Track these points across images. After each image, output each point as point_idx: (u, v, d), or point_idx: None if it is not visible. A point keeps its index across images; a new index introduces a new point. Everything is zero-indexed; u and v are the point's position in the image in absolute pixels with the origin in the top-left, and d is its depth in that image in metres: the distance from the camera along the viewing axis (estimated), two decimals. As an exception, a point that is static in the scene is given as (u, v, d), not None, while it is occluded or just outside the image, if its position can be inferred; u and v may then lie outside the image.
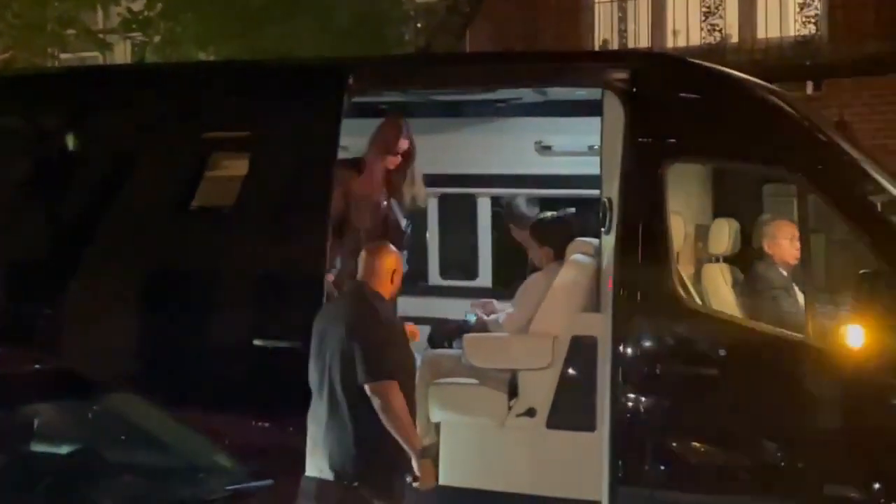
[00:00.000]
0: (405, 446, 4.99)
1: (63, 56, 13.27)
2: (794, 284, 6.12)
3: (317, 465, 5.09)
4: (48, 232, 6.55)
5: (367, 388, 4.98)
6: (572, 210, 6.92)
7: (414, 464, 5.02)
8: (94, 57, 13.30)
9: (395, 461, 5.02)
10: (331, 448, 5.03)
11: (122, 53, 14.06)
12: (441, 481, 5.93)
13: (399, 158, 6.78)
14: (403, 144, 6.75)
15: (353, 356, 5.01)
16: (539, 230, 6.74)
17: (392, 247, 5.46)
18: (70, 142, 6.70)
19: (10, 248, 6.45)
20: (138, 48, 13.31)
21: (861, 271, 5.30)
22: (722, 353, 5.46)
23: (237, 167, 6.46)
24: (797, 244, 5.96)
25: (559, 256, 6.47)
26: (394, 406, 4.96)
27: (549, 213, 6.85)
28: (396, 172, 6.82)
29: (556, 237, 6.60)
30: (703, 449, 5.45)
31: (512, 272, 7.53)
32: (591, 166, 6.31)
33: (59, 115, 6.76)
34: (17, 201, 6.57)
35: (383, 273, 5.28)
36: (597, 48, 13.36)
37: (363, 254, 5.39)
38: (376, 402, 4.96)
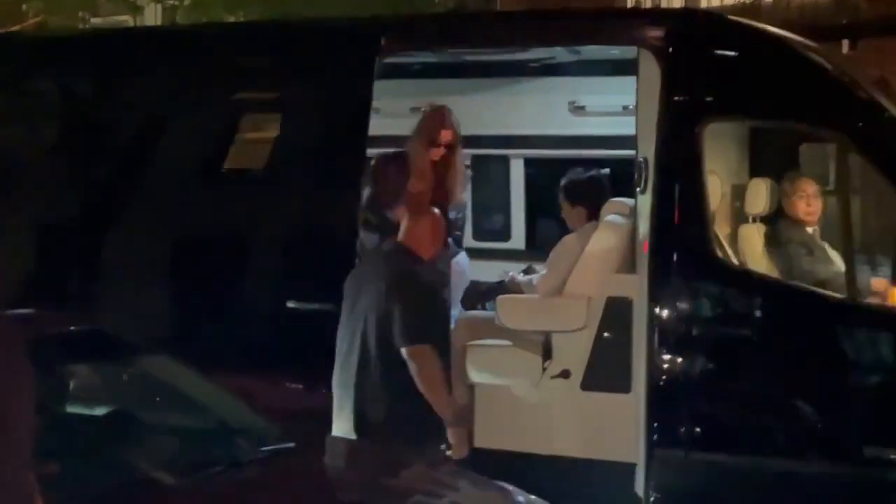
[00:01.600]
0: (439, 413, 4.97)
1: (94, 20, 13.25)
2: (821, 243, 6.06)
3: (344, 428, 5.07)
4: (79, 196, 6.54)
5: (403, 351, 4.95)
6: (605, 170, 6.84)
7: (448, 433, 4.99)
8: (124, 20, 13.26)
9: (429, 426, 4.99)
10: (361, 411, 5.01)
11: (151, 16, 14.01)
12: (476, 444, 5.94)
13: (443, 150, 6.53)
14: (447, 135, 6.53)
15: (391, 318, 4.98)
16: (570, 189, 6.66)
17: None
18: (100, 105, 6.67)
19: (40, 213, 6.45)
20: (168, 11, 13.28)
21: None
22: (760, 313, 5.42)
23: (269, 130, 6.43)
24: (816, 202, 5.90)
25: (592, 217, 6.41)
26: (429, 371, 4.93)
27: (579, 172, 6.76)
28: (442, 164, 6.55)
29: (588, 196, 6.53)
30: (739, 411, 5.38)
31: (545, 233, 7.49)
32: (625, 126, 6.24)
33: (89, 78, 6.74)
34: (47, 165, 6.56)
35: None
36: (629, 6, 13.21)
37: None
38: (412, 367, 4.93)
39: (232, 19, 11.98)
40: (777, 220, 6.27)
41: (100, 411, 4.87)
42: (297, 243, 6.00)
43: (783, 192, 6.31)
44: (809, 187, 6.33)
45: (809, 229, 6.28)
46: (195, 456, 4.60)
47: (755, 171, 6.38)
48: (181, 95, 6.35)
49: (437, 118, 6.56)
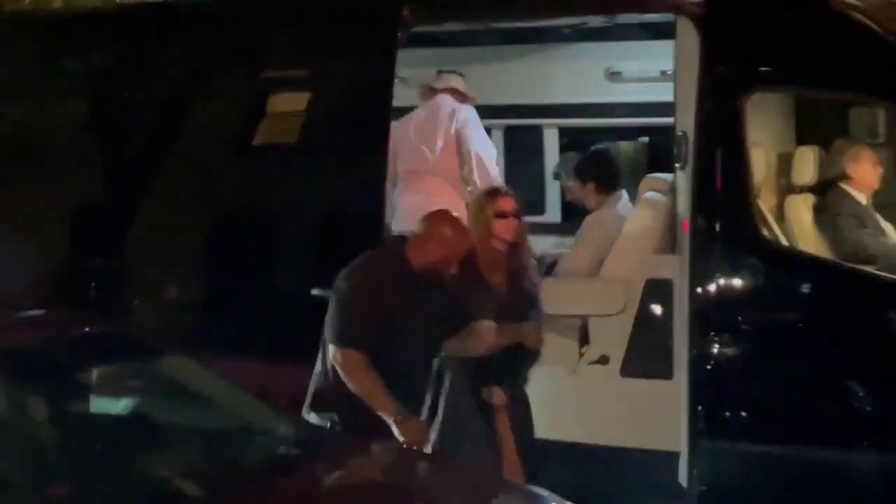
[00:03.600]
0: (379, 414, 4.75)
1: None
2: (874, 214, 5.76)
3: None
4: (102, 176, 6.39)
5: (330, 351, 4.81)
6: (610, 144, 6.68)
7: (394, 430, 4.75)
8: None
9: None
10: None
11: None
12: None
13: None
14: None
15: (331, 315, 4.85)
16: (580, 168, 6.52)
17: (452, 213, 5.14)
18: (124, 82, 6.49)
19: (62, 191, 6.27)
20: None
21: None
22: (807, 294, 5.14)
23: (292, 105, 6.22)
24: (868, 170, 5.59)
25: (605, 192, 6.27)
26: (353, 376, 4.75)
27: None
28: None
29: (598, 173, 6.39)
30: (787, 397, 5.10)
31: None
32: (663, 93, 5.97)
33: (112, 55, 6.55)
34: (71, 144, 6.39)
35: (424, 238, 4.95)
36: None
37: (427, 218, 5.07)
38: (339, 370, 4.77)
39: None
40: (827, 191, 5.98)
41: (117, 413, 4.74)
42: (322, 227, 5.79)
43: (832, 160, 6.01)
44: (860, 154, 6.03)
45: (862, 199, 5.99)
46: (213, 457, 4.45)
47: (802, 139, 6.09)
48: (203, 72, 6.16)
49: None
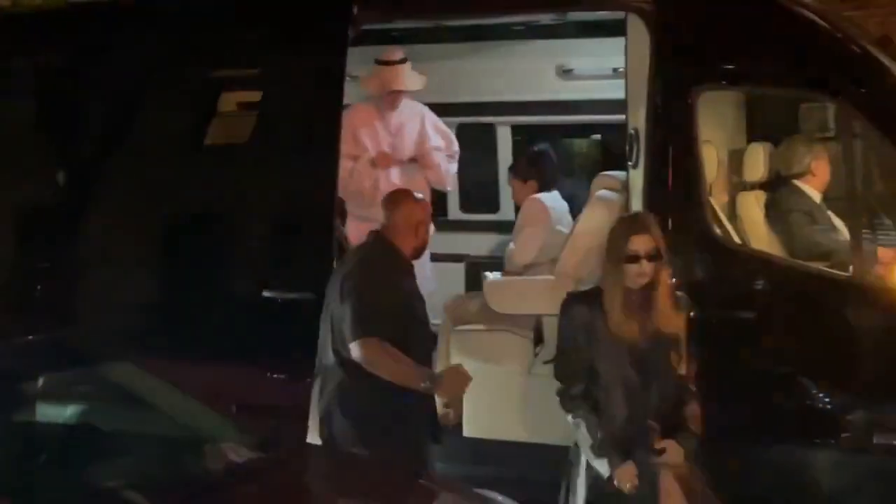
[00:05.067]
0: (413, 387, 4.69)
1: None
2: (825, 211, 5.77)
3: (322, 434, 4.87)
4: (51, 176, 6.27)
5: (351, 347, 4.70)
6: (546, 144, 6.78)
7: (437, 392, 4.72)
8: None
9: (402, 426, 4.74)
10: (336, 416, 4.76)
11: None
12: (465, 433, 5.69)
13: None
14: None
15: (343, 316, 4.73)
16: (520, 168, 6.67)
17: (419, 194, 5.08)
18: (74, 81, 6.37)
19: (11, 193, 6.16)
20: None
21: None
22: (758, 292, 5.12)
23: (242, 104, 6.15)
24: (819, 167, 5.61)
25: (546, 189, 6.42)
26: (378, 361, 4.66)
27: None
28: None
29: (538, 170, 6.55)
30: (735, 392, 5.07)
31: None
32: (615, 90, 5.93)
33: (63, 54, 6.43)
34: (21, 143, 6.25)
35: (404, 225, 4.92)
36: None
37: (384, 200, 5.03)
38: (362, 361, 4.69)
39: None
40: (778, 187, 5.99)
41: (63, 422, 4.65)
42: (274, 220, 5.72)
43: (783, 156, 6.02)
44: (811, 151, 6.04)
45: (813, 196, 6.01)
46: (162, 468, 4.37)
47: (754, 135, 6.09)
48: (153, 71, 6.06)
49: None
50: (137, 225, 5.92)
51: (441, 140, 6.88)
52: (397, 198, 5.05)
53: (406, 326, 4.80)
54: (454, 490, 4.47)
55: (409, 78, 6.69)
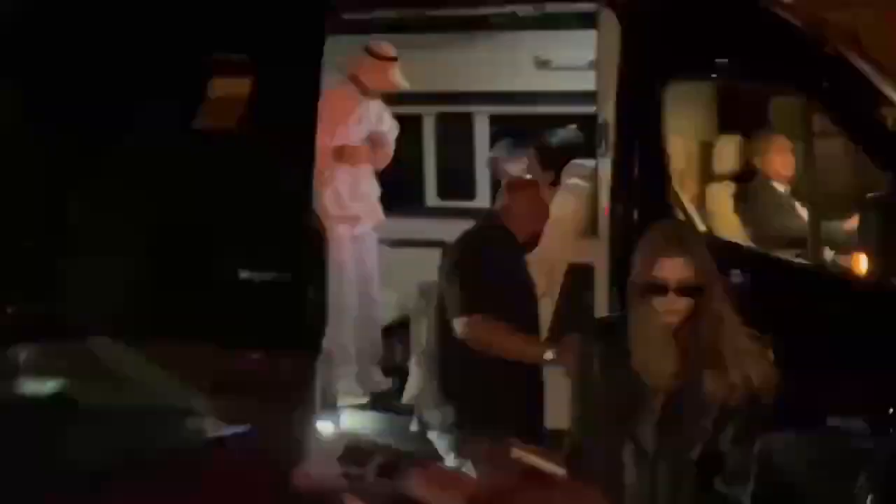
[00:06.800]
0: (534, 360, 4.77)
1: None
2: (793, 203, 5.90)
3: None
4: (35, 157, 6.35)
5: (455, 323, 4.75)
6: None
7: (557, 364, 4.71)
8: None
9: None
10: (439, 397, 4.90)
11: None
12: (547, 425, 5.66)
13: None
14: None
15: (450, 288, 4.82)
16: (548, 153, 6.61)
17: (542, 188, 5.23)
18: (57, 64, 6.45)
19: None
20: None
21: (868, 195, 5.06)
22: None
23: (219, 91, 6.22)
24: (789, 160, 5.73)
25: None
26: (488, 337, 4.71)
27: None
28: None
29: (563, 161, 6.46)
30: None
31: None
32: (591, 82, 6.04)
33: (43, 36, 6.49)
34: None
35: (523, 213, 5.08)
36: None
37: (505, 185, 5.23)
38: (469, 339, 4.73)
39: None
40: (748, 179, 6.12)
41: (41, 395, 4.75)
42: (250, 205, 5.82)
43: (754, 149, 6.15)
44: (781, 144, 6.17)
45: (781, 188, 6.14)
46: (138, 441, 4.49)
47: (725, 128, 6.21)
48: (131, 52, 6.13)
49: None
50: (118, 206, 6.01)
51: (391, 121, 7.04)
52: (520, 185, 5.25)
53: (514, 307, 4.87)
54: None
55: (402, 78, 6.83)
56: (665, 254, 3.36)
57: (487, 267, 4.86)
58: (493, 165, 7.30)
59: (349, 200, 6.84)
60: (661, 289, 3.33)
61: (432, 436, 5.10)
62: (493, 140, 7.49)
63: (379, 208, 7.00)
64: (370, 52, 6.78)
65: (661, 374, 3.38)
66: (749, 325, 3.49)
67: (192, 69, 6.04)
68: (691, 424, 3.35)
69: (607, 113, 5.43)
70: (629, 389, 3.40)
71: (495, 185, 7.40)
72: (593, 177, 5.84)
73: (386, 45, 6.78)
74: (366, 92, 6.85)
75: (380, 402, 6.73)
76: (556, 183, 6.28)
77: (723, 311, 3.39)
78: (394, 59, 6.78)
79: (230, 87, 6.28)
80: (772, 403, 3.43)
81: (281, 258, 5.57)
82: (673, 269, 3.33)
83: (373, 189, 7.00)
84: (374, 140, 6.89)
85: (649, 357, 3.38)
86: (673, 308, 3.34)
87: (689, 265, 3.34)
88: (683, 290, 3.32)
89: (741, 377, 3.34)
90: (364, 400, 6.80)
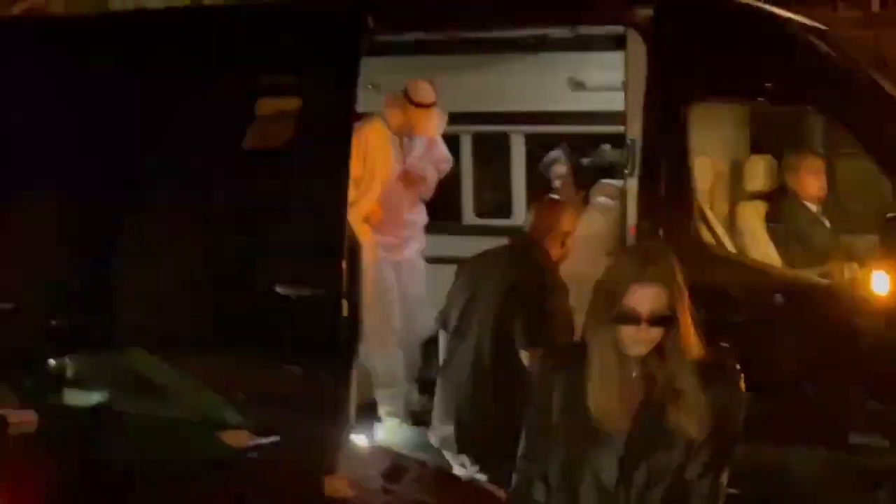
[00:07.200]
0: None
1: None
2: (823, 221, 5.94)
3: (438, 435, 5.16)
4: (96, 176, 6.51)
5: (523, 354, 4.90)
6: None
7: None
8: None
9: None
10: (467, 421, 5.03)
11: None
12: None
13: None
14: None
15: (512, 319, 4.96)
16: (582, 174, 6.81)
17: (570, 205, 5.41)
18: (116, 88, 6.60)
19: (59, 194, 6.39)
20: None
21: (889, 214, 5.11)
22: (744, 298, 5.31)
23: (260, 111, 6.39)
24: (820, 179, 5.77)
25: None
26: None
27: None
28: None
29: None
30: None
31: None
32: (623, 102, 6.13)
33: (104, 61, 6.67)
34: (65, 148, 6.48)
35: (557, 233, 5.24)
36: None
37: (535, 207, 5.36)
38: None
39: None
40: (779, 198, 6.17)
41: (83, 404, 4.93)
42: (288, 226, 5.97)
43: (785, 168, 6.21)
44: (812, 163, 6.22)
45: (813, 207, 6.18)
46: (175, 451, 4.64)
47: (757, 147, 6.28)
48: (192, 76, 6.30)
49: None
50: (162, 222, 6.18)
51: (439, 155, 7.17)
52: (547, 205, 5.46)
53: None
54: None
55: (439, 123, 6.96)
56: (639, 280, 3.10)
57: (549, 297, 5.05)
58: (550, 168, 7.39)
59: (394, 225, 7.01)
60: (631, 318, 3.07)
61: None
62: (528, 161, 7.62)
63: (423, 234, 7.17)
64: (407, 95, 6.86)
65: (618, 416, 3.14)
66: (717, 353, 3.32)
67: (241, 91, 6.25)
68: (655, 459, 3.14)
69: (634, 132, 5.52)
70: (588, 422, 3.15)
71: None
72: (621, 195, 5.94)
73: (424, 89, 6.84)
74: (399, 132, 6.97)
75: (414, 416, 6.84)
76: (585, 200, 6.35)
77: (690, 341, 3.15)
78: (432, 104, 6.85)
79: (277, 108, 6.47)
80: (738, 435, 3.27)
81: (316, 274, 5.72)
82: (647, 297, 3.08)
83: (418, 215, 7.17)
84: (409, 175, 7.02)
85: (608, 394, 3.13)
86: (642, 338, 3.09)
87: (663, 293, 3.10)
88: (655, 319, 3.08)
89: (707, 410, 3.12)
90: (402, 416, 6.92)
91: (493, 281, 5.19)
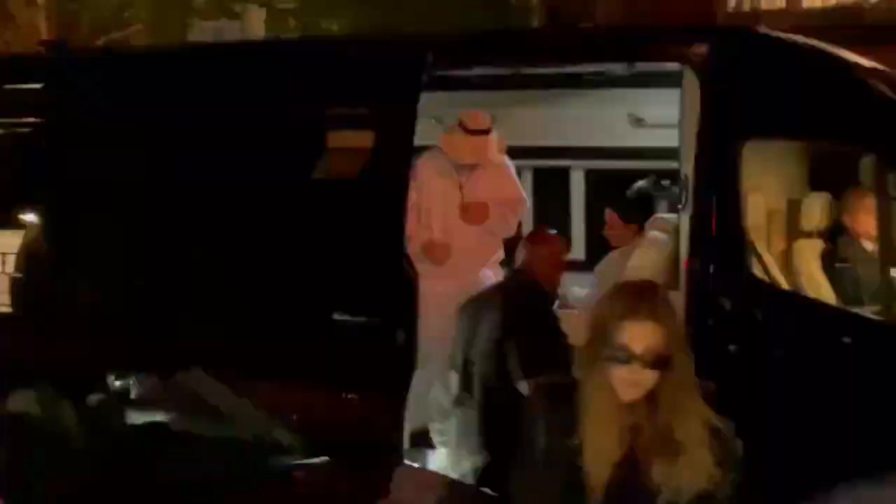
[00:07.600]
0: None
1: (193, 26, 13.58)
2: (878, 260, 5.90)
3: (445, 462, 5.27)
4: (158, 205, 6.67)
5: (521, 385, 5.04)
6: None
7: None
8: (224, 27, 13.57)
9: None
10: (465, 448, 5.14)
11: (252, 22, 14.32)
12: None
13: None
14: None
15: (507, 352, 5.11)
16: (628, 208, 6.77)
17: (557, 235, 5.54)
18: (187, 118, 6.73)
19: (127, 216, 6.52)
20: (274, 14, 13.44)
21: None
22: (797, 336, 5.32)
23: (322, 143, 6.53)
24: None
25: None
26: None
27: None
28: None
29: (644, 215, 6.63)
30: (772, 436, 5.18)
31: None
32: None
33: (165, 95, 6.81)
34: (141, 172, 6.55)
35: (548, 263, 5.36)
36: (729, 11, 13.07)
37: (525, 241, 5.52)
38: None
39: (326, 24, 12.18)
40: (838, 237, 6.16)
41: (139, 423, 5.11)
42: (348, 255, 6.08)
43: (844, 206, 6.20)
44: (870, 202, 6.18)
45: (870, 247, 6.16)
46: (228, 469, 4.79)
47: (814, 185, 6.27)
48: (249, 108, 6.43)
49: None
50: (228, 247, 6.32)
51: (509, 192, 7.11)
52: (540, 239, 5.64)
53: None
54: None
55: (496, 150, 6.98)
56: (633, 317, 2.92)
57: (545, 327, 5.16)
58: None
59: (458, 257, 6.99)
60: (624, 357, 2.91)
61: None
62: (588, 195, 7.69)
63: (493, 268, 7.10)
64: (462, 124, 6.89)
65: (605, 460, 2.95)
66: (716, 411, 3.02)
67: (312, 122, 6.38)
68: None
69: (688, 168, 5.58)
70: (571, 467, 2.96)
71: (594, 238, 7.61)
72: (674, 231, 5.99)
73: (478, 116, 6.87)
74: (456, 161, 7.01)
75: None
76: (639, 234, 6.41)
77: (686, 390, 2.94)
78: (487, 130, 6.88)
79: (345, 140, 6.60)
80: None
81: (373, 303, 5.83)
82: (641, 335, 2.90)
83: (488, 247, 7.07)
84: (468, 206, 7.00)
85: (596, 437, 2.94)
86: (636, 380, 2.90)
87: (658, 332, 2.92)
88: (650, 360, 2.90)
89: (697, 470, 2.90)
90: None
91: (488, 320, 5.27)
